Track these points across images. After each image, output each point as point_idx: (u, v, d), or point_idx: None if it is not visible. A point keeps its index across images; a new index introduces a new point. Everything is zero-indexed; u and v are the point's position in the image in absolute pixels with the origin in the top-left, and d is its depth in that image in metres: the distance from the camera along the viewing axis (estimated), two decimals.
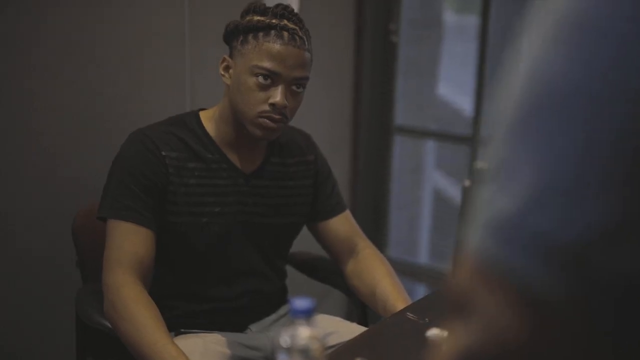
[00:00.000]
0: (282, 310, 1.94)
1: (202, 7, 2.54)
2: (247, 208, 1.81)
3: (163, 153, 1.72)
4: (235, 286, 1.83)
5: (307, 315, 1.05)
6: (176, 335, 1.78)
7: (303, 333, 1.05)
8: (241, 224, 1.80)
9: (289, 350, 1.04)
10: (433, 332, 1.28)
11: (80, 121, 2.25)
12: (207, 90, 2.57)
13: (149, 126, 1.78)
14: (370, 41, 3.39)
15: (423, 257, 3.72)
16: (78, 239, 1.93)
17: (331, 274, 2.08)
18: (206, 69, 2.57)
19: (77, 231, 1.93)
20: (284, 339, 1.04)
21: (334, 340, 1.80)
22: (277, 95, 1.67)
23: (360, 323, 1.99)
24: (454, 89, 3.59)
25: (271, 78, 1.67)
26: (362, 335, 1.62)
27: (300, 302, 1.05)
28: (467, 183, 1.18)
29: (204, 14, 2.55)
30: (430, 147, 3.70)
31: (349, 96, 3.39)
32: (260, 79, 1.67)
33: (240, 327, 1.85)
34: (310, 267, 2.18)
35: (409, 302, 1.81)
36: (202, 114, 1.82)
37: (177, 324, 1.79)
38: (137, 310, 1.59)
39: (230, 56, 1.74)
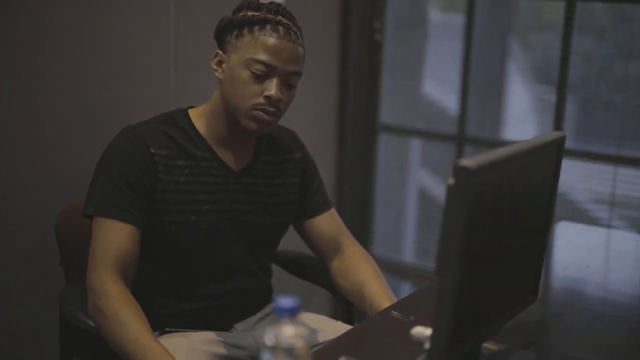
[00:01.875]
0: (267, 309, 1.94)
1: (187, 6, 2.53)
2: (236, 206, 1.81)
3: (152, 151, 1.71)
4: (223, 284, 1.82)
5: (292, 313, 1.05)
6: (161, 334, 1.78)
7: (288, 332, 1.05)
8: (230, 222, 1.80)
9: (273, 349, 1.04)
10: (418, 330, 1.28)
11: (64, 120, 2.24)
12: (191, 89, 2.56)
13: (138, 124, 1.77)
14: (355, 40, 3.39)
15: (408, 255, 3.72)
16: (61, 238, 1.92)
17: (316, 272, 2.08)
18: (191, 67, 2.57)
19: (61, 229, 1.92)
20: (269, 338, 1.04)
21: (319, 339, 1.80)
22: (272, 87, 1.69)
23: (345, 321, 1.99)
24: (440, 88, 3.60)
25: (266, 71, 1.69)
26: (347, 333, 1.62)
27: (285, 301, 1.05)
28: (450, 181, 1.18)
29: (189, 13, 2.55)
30: (415, 145, 3.71)
31: (334, 95, 3.39)
32: (256, 71, 1.68)
33: (226, 326, 1.85)
34: (296, 266, 2.18)
35: (394, 300, 1.81)
36: (191, 112, 1.82)
37: (165, 323, 1.79)
38: (119, 309, 1.59)
39: (223, 51, 1.74)
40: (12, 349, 2.20)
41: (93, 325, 1.67)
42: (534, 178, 1.47)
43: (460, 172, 1.17)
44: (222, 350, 1.75)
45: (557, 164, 1.52)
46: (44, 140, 2.20)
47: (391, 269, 3.46)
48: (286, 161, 1.91)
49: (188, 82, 2.56)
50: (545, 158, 1.49)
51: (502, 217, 1.36)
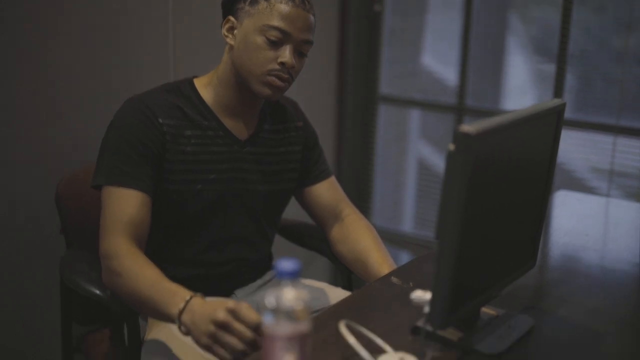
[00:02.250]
0: (268, 276, 1.95)
1: None
2: (241, 175, 1.81)
3: (160, 121, 1.71)
4: (225, 252, 1.83)
5: (293, 276, 1.06)
6: None
7: (288, 294, 1.05)
8: (234, 191, 1.80)
9: (274, 311, 1.05)
10: (417, 295, 1.29)
11: (65, 89, 2.23)
12: (190, 59, 2.56)
13: (145, 93, 1.77)
14: (355, 10, 3.38)
15: (407, 225, 3.73)
16: (62, 206, 1.92)
17: (316, 240, 2.09)
18: (189, 39, 2.56)
19: (61, 198, 1.92)
20: (270, 300, 1.05)
21: (319, 305, 1.81)
22: (287, 54, 1.70)
23: (345, 289, 2.00)
24: (439, 59, 3.59)
25: (281, 38, 1.70)
26: (346, 299, 1.63)
27: (286, 264, 1.06)
28: (451, 147, 1.18)
29: None
30: (415, 117, 3.70)
31: (333, 65, 3.39)
32: (271, 37, 1.69)
33: (226, 293, 1.86)
34: (296, 234, 2.19)
35: (394, 267, 1.82)
36: (196, 81, 1.82)
37: None
38: (134, 264, 1.58)
39: (235, 17, 1.74)
40: (13, 315, 2.22)
41: (93, 291, 1.68)
42: (534, 145, 1.47)
43: (460, 138, 1.18)
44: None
45: (557, 131, 1.52)
46: (44, 108, 2.20)
47: (390, 239, 3.48)
48: (289, 129, 1.91)
49: (187, 52, 2.56)
50: (546, 125, 1.49)
51: (501, 183, 1.37)
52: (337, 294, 1.87)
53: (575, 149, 3.17)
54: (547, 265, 1.86)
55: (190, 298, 1.45)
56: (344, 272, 2.04)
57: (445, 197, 1.21)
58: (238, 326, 1.36)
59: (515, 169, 1.42)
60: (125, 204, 1.65)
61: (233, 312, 1.37)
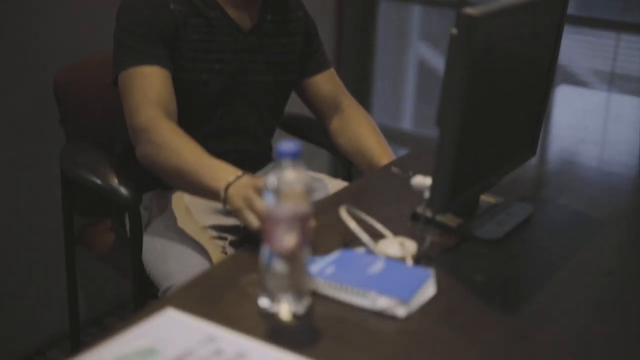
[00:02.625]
0: (268, 167, 1.95)
1: None
2: (246, 65, 1.79)
3: (171, 6, 1.68)
4: (227, 143, 1.83)
5: (294, 157, 1.06)
6: (162, 190, 1.79)
7: (289, 175, 1.05)
8: (239, 82, 1.79)
9: (275, 191, 1.05)
10: (417, 180, 1.30)
11: None
12: None
13: None
14: None
15: (407, 123, 3.73)
16: (61, 97, 1.90)
17: (316, 133, 2.09)
18: None
19: (60, 88, 1.90)
20: (271, 180, 1.05)
21: (319, 196, 1.82)
22: None
23: (345, 180, 2.00)
24: None
25: None
26: (347, 187, 1.64)
27: (288, 145, 1.06)
28: (453, 31, 1.16)
29: None
30: (415, 14, 3.65)
31: None
32: None
33: None
34: (296, 127, 2.18)
35: (393, 158, 1.82)
36: None
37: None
38: (174, 135, 1.55)
39: None
40: (12, 208, 2.23)
41: (93, 180, 1.68)
42: (538, 33, 1.45)
43: (463, 21, 1.16)
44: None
45: (561, 20, 1.50)
46: None
47: (389, 136, 3.47)
48: (290, 20, 1.88)
49: None
50: (550, 13, 1.47)
51: (503, 70, 1.35)
52: (337, 185, 1.88)
53: (577, 51, 3.13)
54: (546, 158, 1.87)
55: (242, 175, 1.41)
56: (344, 164, 2.04)
57: (447, 82, 1.19)
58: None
59: (518, 57, 1.40)
60: (153, 81, 1.62)
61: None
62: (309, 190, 1.07)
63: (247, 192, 1.33)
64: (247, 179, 1.39)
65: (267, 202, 1.07)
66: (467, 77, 1.18)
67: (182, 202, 1.72)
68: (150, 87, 1.62)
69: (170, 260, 1.62)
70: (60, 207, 1.92)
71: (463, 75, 1.18)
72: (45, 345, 2.39)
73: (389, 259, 1.25)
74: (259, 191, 1.31)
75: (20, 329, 2.34)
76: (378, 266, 1.20)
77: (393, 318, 1.10)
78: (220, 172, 1.43)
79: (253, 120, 1.86)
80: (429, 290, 1.18)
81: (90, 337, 2.17)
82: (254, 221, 1.31)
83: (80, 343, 2.04)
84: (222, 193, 1.39)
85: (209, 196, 1.45)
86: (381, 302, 1.12)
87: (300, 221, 1.06)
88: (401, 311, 1.11)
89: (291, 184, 1.05)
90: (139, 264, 1.68)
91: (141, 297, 1.71)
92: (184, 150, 1.51)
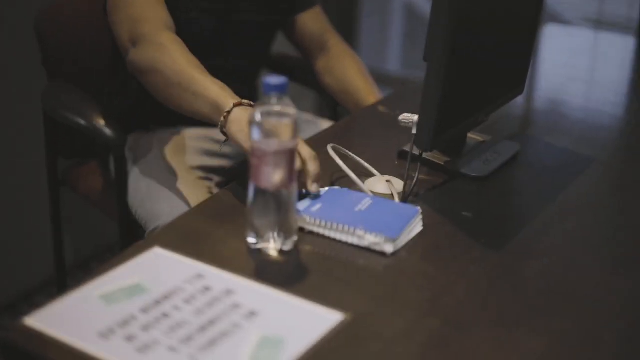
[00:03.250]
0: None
1: None
2: (235, 5, 1.75)
3: None
4: None
5: (281, 90, 1.04)
6: (147, 131, 1.78)
7: (275, 108, 1.04)
8: (229, 21, 1.75)
9: (260, 124, 1.04)
10: (405, 116, 1.29)
11: None
12: None
13: None
14: None
15: (393, 64, 3.70)
16: (42, 37, 1.87)
17: (303, 73, 2.06)
18: None
19: (42, 27, 1.86)
20: (256, 115, 1.04)
21: (305, 136, 1.81)
22: None
23: (331, 119, 1.99)
24: None
25: None
26: (333, 126, 1.63)
27: (274, 78, 1.04)
28: None
29: None
30: None
31: None
32: None
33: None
34: (282, 66, 2.16)
35: (381, 98, 1.81)
36: None
37: (153, 119, 1.77)
38: (184, 49, 1.46)
39: None
40: None
41: (77, 121, 1.65)
42: None
43: None
44: (210, 145, 1.75)
45: None
46: None
47: (376, 77, 3.45)
48: None
49: None
50: None
51: (492, 6, 1.34)
52: (323, 125, 1.86)
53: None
54: (533, 96, 1.86)
55: (249, 102, 1.32)
56: (331, 104, 2.03)
57: (434, 16, 1.18)
58: None
59: None
60: (152, 1, 1.54)
61: None
62: (296, 125, 1.05)
63: None
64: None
65: (254, 136, 1.05)
66: (455, 10, 1.17)
67: (169, 143, 1.71)
68: (152, 5, 1.54)
69: (157, 202, 1.61)
70: (43, 150, 1.90)
71: (450, 7, 1.16)
72: (32, 290, 2.39)
73: (377, 196, 1.25)
74: None
75: (6, 275, 2.34)
76: (365, 203, 1.19)
77: (381, 254, 1.10)
78: (230, 91, 1.36)
79: (242, 61, 1.83)
80: (417, 226, 1.18)
81: (77, 282, 2.16)
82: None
83: (66, 288, 2.02)
84: (230, 107, 1.30)
85: (206, 112, 1.35)
86: (368, 239, 1.11)
87: (287, 157, 1.05)
88: (388, 248, 1.11)
89: (278, 117, 1.04)
90: (125, 206, 1.67)
91: (128, 240, 1.70)
92: (191, 61, 1.43)
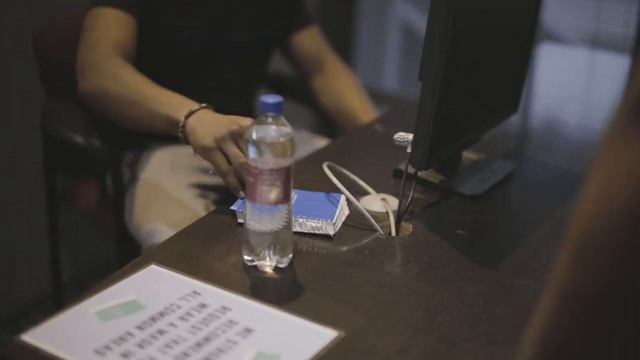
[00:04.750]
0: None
1: None
2: (230, 22, 1.76)
3: None
4: (208, 102, 1.81)
5: (276, 109, 1.05)
6: (144, 148, 1.78)
7: (271, 127, 1.05)
8: (221, 39, 1.76)
9: (256, 142, 1.05)
10: (400, 135, 1.29)
11: None
12: None
13: None
14: None
15: (390, 82, 3.71)
16: (41, 54, 1.88)
17: (299, 91, 2.07)
18: None
19: (40, 46, 1.88)
20: (252, 133, 1.05)
21: (301, 154, 1.81)
22: None
23: (327, 138, 2.00)
24: None
25: None
26: (329, 145, 1.64)
27: (270, 98, 1.05)
28: None
29: None
30: None
31: None
32: None
33: None
34: (278, 85, 2.17)
35: (376, 116, 1.82)
36: None
37: (151, 138, 1.78)
38: (132, 72, 1.47)
39: None
40: None
41: (76, 140, 1.66)
42: None
43: None
44: (207, 163, 1.75)
45: None
46: None
47: (373, 95, 3.46)
48: None
49: None
50: None
51: (486, 25, 1.35)
52: (319, 143, 1.87)
53: (560, 13, 3.12)
54: (529, 115, 1.87)
55: (206, 105, 1.36)
56: (327, 122, 2.04)
57: (429, 36, 1.19)
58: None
59: (501, 12, 1.40)
60: (114, 23, 1.57)
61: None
62: (291, 144, 1.06)
63: (219, 130, 1.27)
64: (211, 113, 1.34)
65: (250, 155, 1.06)
66: (450, 31, 1.18)
67: (165, 160, 1.72)
68: (112, 29, 1.57)
69: (153, 219, 1.61)
70: (41, 166, 1.91)
71: (445, 28, 1.17)
72: (28, 307, 2.39)
73: (299, 190, 1.30)
74: (235, 135, 1.26)
75: (2, 292, 2.33)
76: (294, 196, 1.23)
77: (376, 271, 1.11)
78: (181, 101, 1.37)
79: (235, 79, 1.84)
80: (345, 210, 1.29)
81: (74, 299, 2.16)
82: (223, 164, 1.28)
83: (63, 304, 2.03)
84: (181, 121, 1.32)
85: (165, 128, 1.37)
86: (310, 225, 1.21)
87: (282, 175, 1.06)
88: (330, 229, 1.21)
89: (274, 136, 1.05)
90: (121, 223, 1.68)
91: (124, 257, 1.70)
92: (140, 81, 1.44)
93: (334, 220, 1.21)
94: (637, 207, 0.47)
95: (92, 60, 1.52)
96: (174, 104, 1.38)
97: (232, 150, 1.27)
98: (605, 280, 0.48)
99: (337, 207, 1.26)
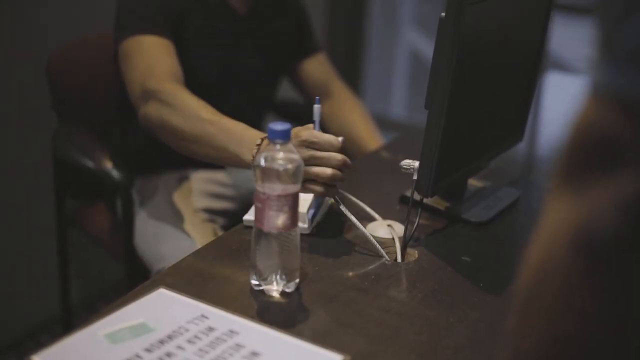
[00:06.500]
0: None
1: None
2: (239, 51, 1.79)
3: None
4: None
5: (284, 137, 1.07)
6: (154, 173, 1.80)
7: (279, 154, 1.07)
8: (233, 68, 1.79)
9: (263, 169, 1.07)
10: (406, 162, 1.31)
11: None
12: None
13: None
14: None
15: (397, 109, 3.74)
16: (53, 80, 1.91)
17: (307, 118, 2.09)
18: None
19: (52, 72, 1.91)
20: (260, 160, 1.07)
21: None
22: None
23: None
24: None
25: None
26: None
27: (278, 125, 1.07)
28: (442, 14, 1.18)
29: None
30: (407, 5, 3.66)
31: None
32: None
33: (220, 166, 1.87)
34: (287, 112, 2.19)
35: (382, 143, 1.84)
36: None
37: (162, 162, 1.80)
38: (188, 103, 1.43)
39: None
40: (4, 188, 2.23)
41: (86, 164, 1.69)
42: (526, 17, 1.47)
43: (452, 4, 1.17)
44: (216, 188, 1.78)
45: (550, 3, 1.51)
46: None
47: (380, 122, 3.48)
48: (282, 3, 1.88)
49: None
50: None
51: (491, 54, 1.37)
52: None
53: (569, 38, 3.14)
54: (535, 142, 1.89)
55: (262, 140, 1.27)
56: None
57: (436, 65, 1.21)
58: (326, 138, 1.26)
59: (506, 41, 1.42)
60: (160, 50, 1.58)
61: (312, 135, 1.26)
62: (299, 170, 1.08)
63: (301, 151, 1.20)
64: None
65: (258, 181, 1.08)
66: (456, 61, 1.20)
67: (175, 185, 1.74)
68: (162, 54, 1.58)
69: (162, 243, 1.63)
70: (52, 190, 1.93)
71: (451, 58, 1.19)
72: (37, 329, 2.40)
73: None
74: (305, 141, 1.23)
75: (12, 313, 2.35)
76: None
77: (383, 296, 1.12)
78: (248, 133, 1.32)
79: (246, 107, 1.87)
80: (325, 204, 1.39)
81: (83, 321, 2.18)
82: (326, 172, 1.22)
83: (71, 327, 2.04)
84: (259, 140, 1.27)
85: (233, 161, 1.32)
86: None
87: (290, 201, 1.08)
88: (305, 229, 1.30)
89: (281, 163, 1.07)
90: (131, 247, 1.70)
91: (133, 280, 1.72)
92: (202, 113, 1.39)
93: (310, 218, 1.32)
94: (571, 268, 0.48)
95: (152, 86, 1.49)
96: (241, 136, 1.31)
97: (319, 154, 1.23)
98: (544, 335, 0.49)
99: (316, 204, 1.36)
